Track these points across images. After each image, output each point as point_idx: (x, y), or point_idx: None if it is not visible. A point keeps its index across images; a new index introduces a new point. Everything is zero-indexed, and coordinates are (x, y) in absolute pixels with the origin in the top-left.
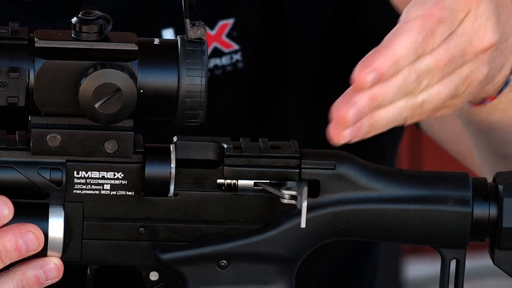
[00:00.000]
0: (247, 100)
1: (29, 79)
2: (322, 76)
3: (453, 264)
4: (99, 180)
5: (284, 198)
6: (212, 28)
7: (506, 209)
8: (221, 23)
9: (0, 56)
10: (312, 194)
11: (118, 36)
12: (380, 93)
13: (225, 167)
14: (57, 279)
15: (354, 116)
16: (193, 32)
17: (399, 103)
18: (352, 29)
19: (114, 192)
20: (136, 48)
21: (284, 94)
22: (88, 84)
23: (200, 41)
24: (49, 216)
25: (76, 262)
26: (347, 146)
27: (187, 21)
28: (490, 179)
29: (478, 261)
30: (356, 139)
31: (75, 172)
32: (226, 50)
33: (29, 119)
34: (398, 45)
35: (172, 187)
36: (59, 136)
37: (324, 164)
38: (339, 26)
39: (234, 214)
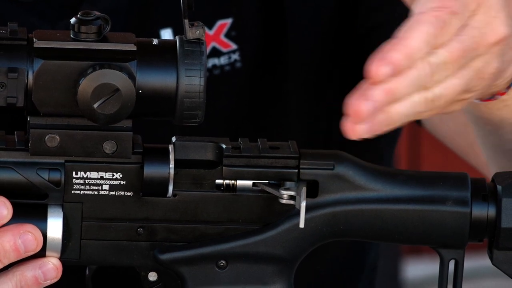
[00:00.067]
0: (245, 100)
1: (28, 79)
2: (322, 76)
3: (451, 265)
4: (98, 181)
5: (282, 199)
6: (210, 27)
7: (505, 210)
8: (219, 22)
9: None
10: (310, 194)
11: (117, 37)
12: (396, 87)
13: (223, 168)
14: (55, 280)
15: (369, 111)
16: (191, 33)
17: (414, 97)
18: (352, 29)
19: (113, 193)
20: (134, 48)
21: (283, 94)
22: (87, 85)
23: (199, 42)
24: (48, 216)
25: (75, 262)
26: (345, 146)
27: (186, 21)
28: None
29: (476, 262)
30: (371, 134)
31: (74, 172)
32: (224, 50)
33: (28, 119)
34: (412, 37)
35: (170, 188)
36: (57, 137)
37: (322, 165)
38: (339, 26)
39: (232, 214)
